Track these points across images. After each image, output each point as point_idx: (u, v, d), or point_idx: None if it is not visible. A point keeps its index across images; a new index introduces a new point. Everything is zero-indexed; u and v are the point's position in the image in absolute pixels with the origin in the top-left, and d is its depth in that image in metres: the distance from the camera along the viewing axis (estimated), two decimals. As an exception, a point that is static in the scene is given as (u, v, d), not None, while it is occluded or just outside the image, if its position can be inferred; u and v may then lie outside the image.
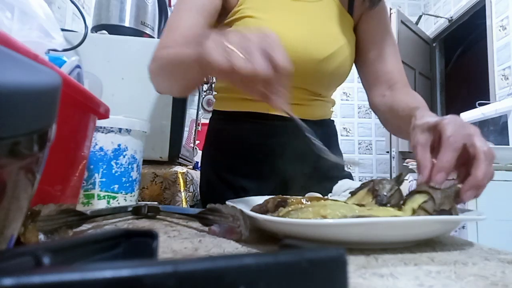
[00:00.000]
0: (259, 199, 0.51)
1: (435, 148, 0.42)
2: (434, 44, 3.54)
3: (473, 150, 0.39)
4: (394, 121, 0.65)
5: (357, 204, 0.42)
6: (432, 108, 3.42)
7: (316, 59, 0.70)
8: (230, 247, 0.36)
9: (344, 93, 3.62)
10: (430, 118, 0.44)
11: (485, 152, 0.38)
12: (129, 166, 0.60)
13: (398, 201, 0.43)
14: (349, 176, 0.80)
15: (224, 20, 0.73)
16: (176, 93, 0.73)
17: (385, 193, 0.44)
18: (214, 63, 0.36)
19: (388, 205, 0.43)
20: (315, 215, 0.37)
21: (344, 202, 0.45)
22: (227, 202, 0.48)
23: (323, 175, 0.73)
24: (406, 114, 0.52)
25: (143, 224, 0.50)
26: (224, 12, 0.72)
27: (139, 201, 0.65)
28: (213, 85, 2.04)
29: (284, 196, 0.48)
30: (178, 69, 0.54)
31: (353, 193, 0.47)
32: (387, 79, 0.73)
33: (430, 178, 0.40)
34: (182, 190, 0.86)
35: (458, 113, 2.55)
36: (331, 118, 0.85)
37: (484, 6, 2.75)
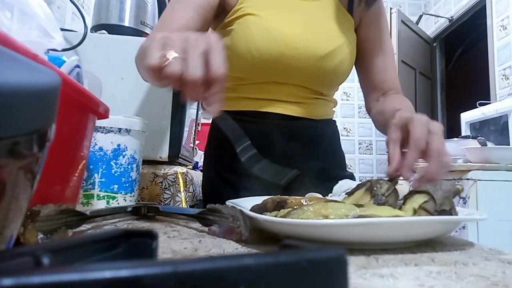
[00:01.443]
0: (260, 199, 0.51)
1: (405, 143, 0.47)
2: (434, 44, 3.54)
3: (429, 148, 0.45)
4: (383, 123, 0.69)
5: (356, 205, 0.42)
6: (433, 108, 3.42)
7: (317, 55, 0.70)
8: (230, 247, 0.36)
9: (344, 93, 3.62)
10: (402, 116, 0.49)
11: (438, 150, 0.44)
12: (129, 166, 0.60)
13: (395, 201, 0.44)
14: (351, 177, 0.80)
15: (225, 19, 0.73)
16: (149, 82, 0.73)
17: (382, 193, 0.44)
18: (147, 62, 0.36)
19: (386, 204, 0.43)
20: (316, 215, 0.37)
21: (342, 202, 0.45)
22: (227, 202, 0.48)
23: (325, 175, 0.73)
24: (390, 115, 0.57)
25: (143, 224, 0.50)
26: (224, 11, 0.73)
27: (138, 201, 0.65)
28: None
29: (284, 197, 0.48)
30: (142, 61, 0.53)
31: (350, 193, 0.48)
32: (382, 87, 0.77)
33: (398, 169, 0.46)
34: (181, 190, 0.86)
35: (458, 112, 2.52)
36: (333, 119, 0.85)
37: (485, 6, 2.75)
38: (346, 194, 0.49)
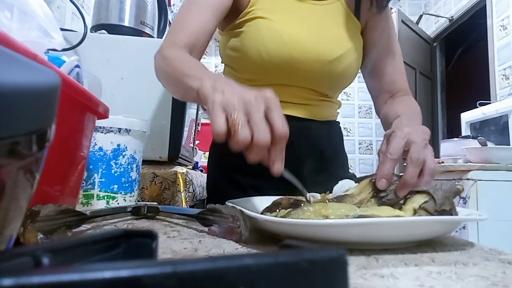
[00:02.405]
0: (264, 200, 0.51)
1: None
2: (434, 44, 3.53)
3: (406, 156, 0.47)
4: (386, 127, 0.70)
5: (356, 205, 0.42)
6: (433, 108, 3.42)
7: (325, 60, 0.70)
8: (230, 247, 0.36)
9: (344, 92, 3.61)
10: (392, 128, 0.51)
11: (412, 158, 0.45)
12: (129, 166, 0.60)
13: (395, 197, 0.44)
14: (353, 177, 0.80)
15: (235, 21, 0.73)
16: (176, 98, 0.74)
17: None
18: (216, 129, 0.37)
19: (388, 195, 0.44)
20: (316, 215, 0.37)
21: (346, 192, 0.47)
22: (227, 203, 0.48)
23: (327, 175, 0.73)
24: (392, 121, 0.60)
25: (143, 224, 0.50)
26: (235, 13, 0.73)
27: (138, 201, 0.65)
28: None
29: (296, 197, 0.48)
30: (181, 89, 0.54)
31: (359, 180, 0.49)
32: (390, 89, 0.77)
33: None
34: (181, 190, 0.86)
35: (458, 112, 2.51)
36: (337, 120, 0.85)
37: (485, 5, 2.75)
38: (355, 181, 0.50)
